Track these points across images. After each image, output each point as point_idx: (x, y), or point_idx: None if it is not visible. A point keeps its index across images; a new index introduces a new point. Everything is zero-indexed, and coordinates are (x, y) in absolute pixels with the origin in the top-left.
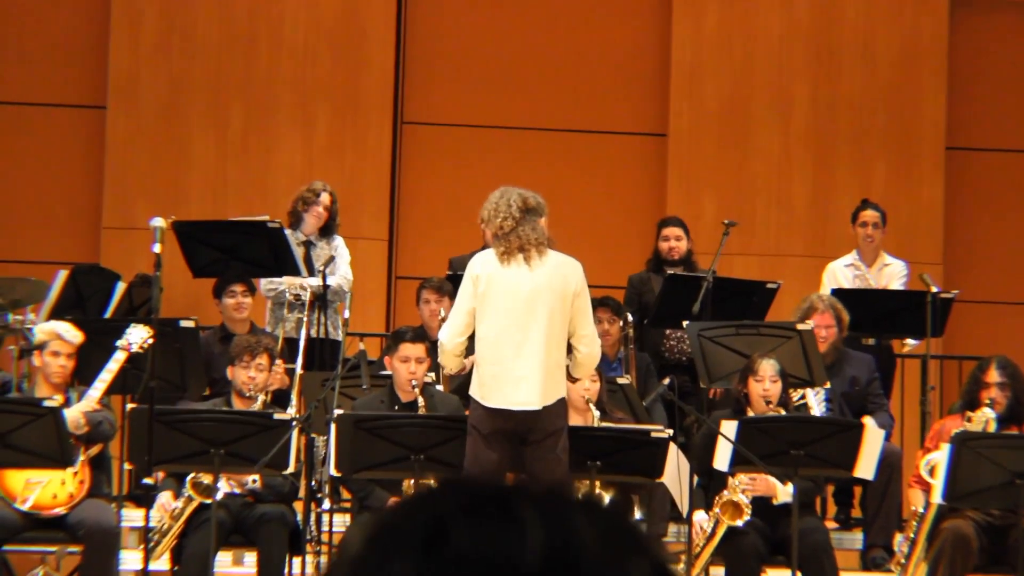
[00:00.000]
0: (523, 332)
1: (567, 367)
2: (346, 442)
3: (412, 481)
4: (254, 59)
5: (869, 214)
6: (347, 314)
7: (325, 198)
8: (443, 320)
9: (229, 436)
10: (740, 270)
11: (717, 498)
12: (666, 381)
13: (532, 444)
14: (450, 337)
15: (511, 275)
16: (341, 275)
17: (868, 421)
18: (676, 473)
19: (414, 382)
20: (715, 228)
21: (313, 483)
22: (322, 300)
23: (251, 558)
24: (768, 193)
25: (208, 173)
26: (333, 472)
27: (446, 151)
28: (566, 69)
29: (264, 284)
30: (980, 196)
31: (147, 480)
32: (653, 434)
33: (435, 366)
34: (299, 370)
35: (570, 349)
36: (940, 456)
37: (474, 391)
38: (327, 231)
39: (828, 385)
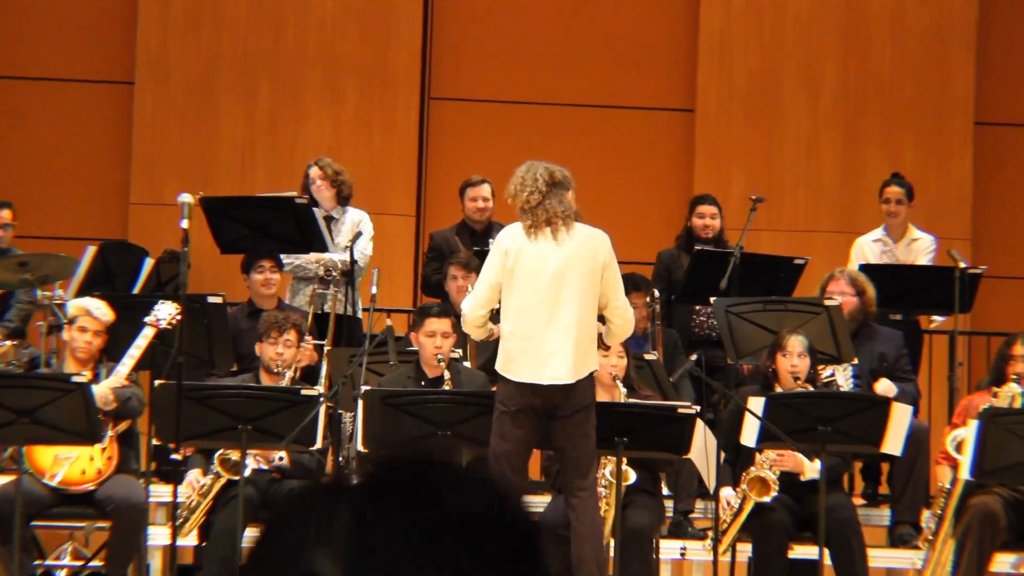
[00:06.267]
0: (553, 306)
1: (599, 335)
2: (373, 418)
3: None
4: (282, 35)
5: (892, 190)
6: (375, 290)
7: (313, 171)
8: None
9: (256, 412)
10: (768, 246)
11: (744, 474)
12: (693, 357)
13: (560, 419)
14: (471, 309)
15: (539, 249)
16: (359, 250)
17: (884, 385)
18: (703, 449)
19: (440, 357)
20: (743, 204)
21: (340, 459)
22: (348, 276)
23: None
24: (796, 169)
25: (236, 149)
26: (360, 448)
27: (473, 126)
28: (594, 44)
29: (285, 260)
30: (1009, 172)
31: (175, 456)
32: (680, 410)
33: (462, 342)
34: (327, 346)
35: (602, 320)
36: (967, 432)
37: (501, 366)
38: (343, 201)
39: (856, 361)
